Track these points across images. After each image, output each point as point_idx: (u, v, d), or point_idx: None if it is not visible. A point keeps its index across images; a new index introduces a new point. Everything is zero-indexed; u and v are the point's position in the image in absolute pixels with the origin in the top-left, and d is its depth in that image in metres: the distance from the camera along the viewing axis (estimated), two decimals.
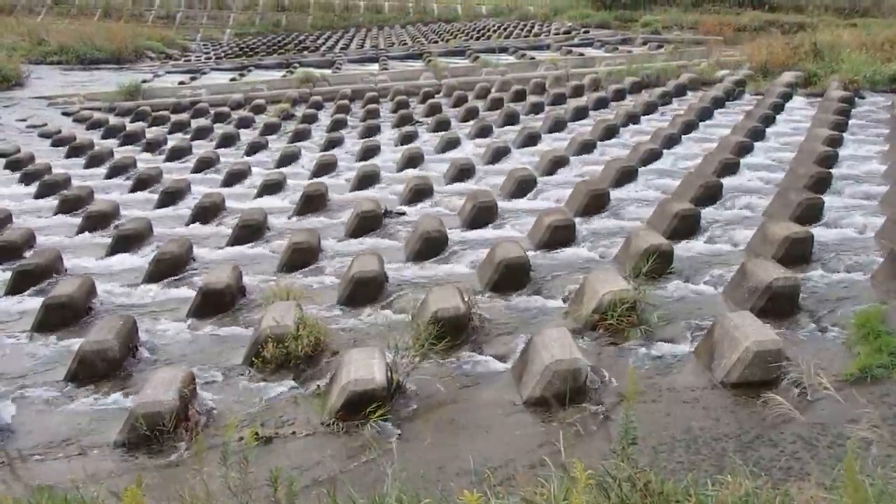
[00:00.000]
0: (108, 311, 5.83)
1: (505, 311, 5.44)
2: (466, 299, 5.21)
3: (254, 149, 11.93)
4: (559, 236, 6.77)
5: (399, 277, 6.24)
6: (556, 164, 9.45)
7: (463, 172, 9.48)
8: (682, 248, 6.37)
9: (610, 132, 11.27)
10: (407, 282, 6.15)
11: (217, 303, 5.70)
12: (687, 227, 6.73)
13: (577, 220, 7.28)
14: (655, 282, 5.64)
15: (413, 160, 10.32)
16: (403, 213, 8.13)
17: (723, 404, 3.95)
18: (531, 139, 11.18)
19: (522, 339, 4.84)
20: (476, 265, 6.38)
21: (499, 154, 10.31)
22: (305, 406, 4.21)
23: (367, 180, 9.47)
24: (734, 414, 3.83)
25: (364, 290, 5.78)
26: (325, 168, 10.25)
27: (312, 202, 8.49)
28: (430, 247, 6.76)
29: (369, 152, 11.11)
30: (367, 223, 7.62)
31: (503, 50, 23.36)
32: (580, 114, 12.95)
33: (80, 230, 7.98)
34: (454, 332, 4.83)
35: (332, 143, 11.89)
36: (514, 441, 3.72)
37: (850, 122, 10.66)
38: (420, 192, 8.63)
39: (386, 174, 9.93)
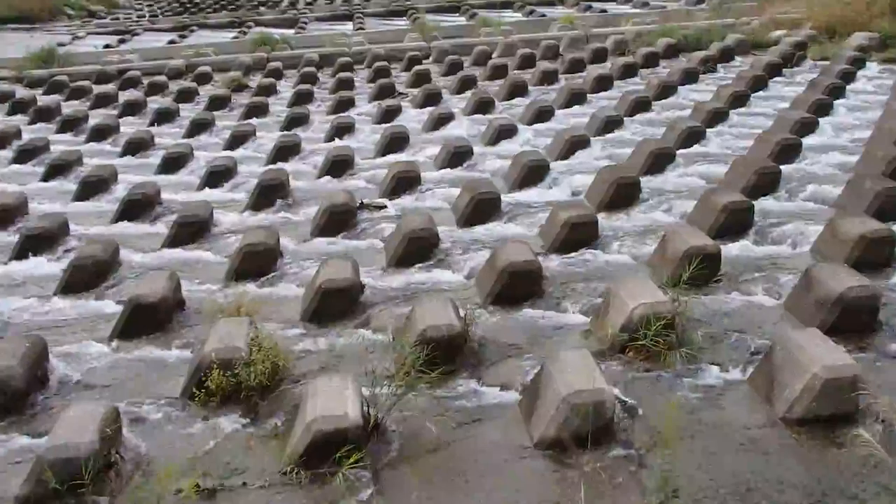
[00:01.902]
0: (10, 330, 5.78)
1: (511, 330, 5.44)
2: (462, 314, 5.20)
3: (197, 128, 11.89)
4: (578, 236, 6.78)
5: (378, 287, 6.24)
6: (573, 145, 9.46)
7: (458, 156, 9.50)
8: (732, 250, 6.37)
9: (640, 106, 11.28)
10: (388, 293, 6.16)
11: (149, 320, 5.69)
12: (737, 223, 6.72)
13: (601, 215, 7.28)
14: (699, 292, 5.63)
15: (396, 141, 10.34)
16: (384, 207, 8.12)
17: (786, 446, 3.91)
18: (542, 115, 11.23)
19: (533, 365, 4.83)
20: (474, 272, 6.38)
21: (502, 134, 10.32)
22: (260, 449, 4.19)
23: (339, 167, 9.47)
24: (801, 458, 3.80)
25: (334, 304, 5.78)
26: (287, 151, 10.25)
27: (270, 194, 8.49)
28: (418, 249, 6.77)
29: (341, 132, 11.12)
30: (339, 220, 7.62)
31: (507, 5, 23.45)
32: (603, 84, 12.92)
33: None
34: (447, 355, 4.83)
35: (296, 121, 11.86)
36: (523, 494, 3.69)
37: None
38: (404, 181, 8.64)
39: (362, 159, 9.94)
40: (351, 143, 10.66)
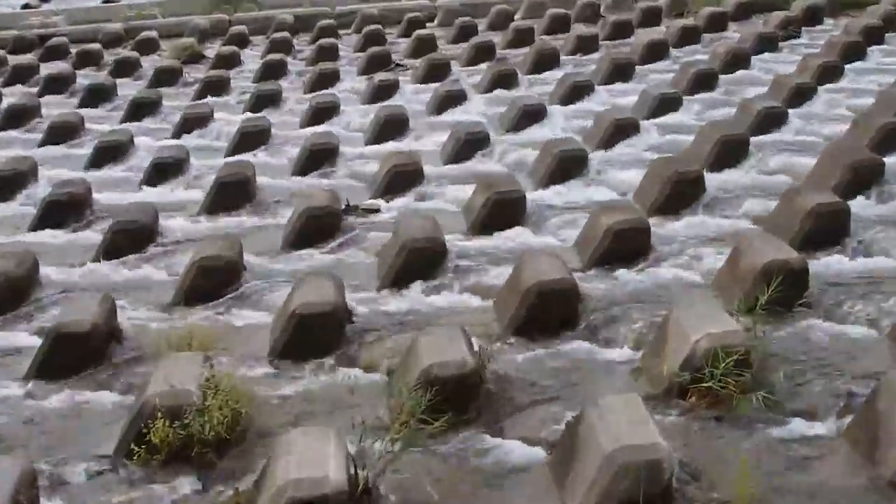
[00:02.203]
0: None
1: (539, 368, 5.46)
2: (477, 348, 5.22)
3: (139, 109, 11.88)
4: (626, 246, 6.80)
5: (369, 313, 6.25)
6: (619, 131, 9.44)
7: (470, 146, 9.50)
8: (822, 266, 6.37)
9: (703, 81, 11.30)
10: (382, 320, 6.17)
11: (76, 355, 5.65)
12: (829, 231, 6.71)
13: (654, 220, 7.30)
14: (780, 319, 5.62)
15: (392, 126, 10.33)
16: (377, 211, 8.16)
17: None
18: (579, 92, 11.21)
19: (567, 412, 4.80)
20: (492, 293, 6.40)
21: (527, 117, 10.27)
22: None
23: (320, 159, 9.47)
24: None
25: (313, 335, 5.78)
26: (253, 139, 10.25)
27: (232, 193, 8.51)
28: (420, 264, 6.77)
29: (323, 114, 11.13)
30: (319, 226, 7.63)
31: None
32: (656, 52, 12.94)
33: None
34: (458, 400, 4.82)
35: (264, 100, 11.88)
36: None
37: None
38: (403, 178, 8.65)
39: (349, 148, 9.96)
40: (335, 128, 10.63)
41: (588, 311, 6.01)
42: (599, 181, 8.54)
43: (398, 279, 6.72)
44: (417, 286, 6.66)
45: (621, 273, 6.64)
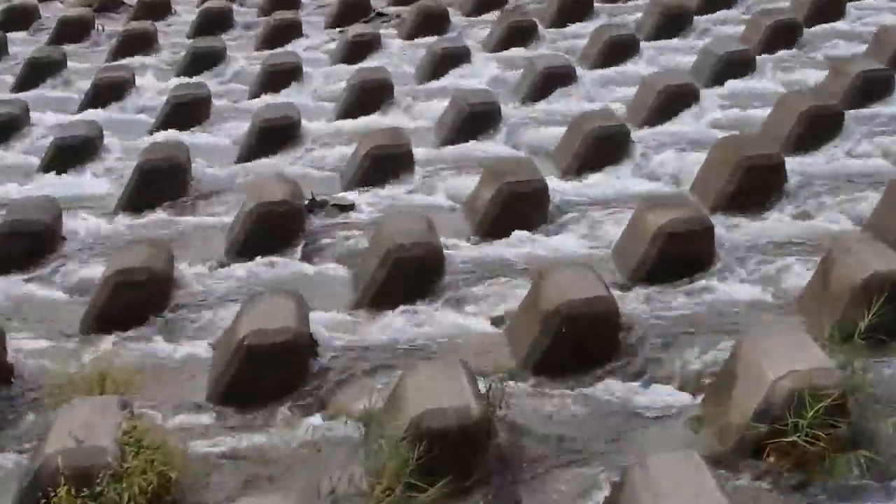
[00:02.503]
0: None
1: (565, 416, 5.48)
2: (484, 389, 5.22)
3: (37, 73, 11.93)
4: (681, 254, 6.86)
5: (341, 344, 6.28)
6: (670, 101, 9.55)
7: (475, 121, 9.58)
8: None
9: (783, 35, 11.46)
10: (358, 353, 6.19)
11: None
12: None
13: (718, 219, 7.35)
14: (887, 352, 5.60)
15: (371, 95, 10.44)
16: (350, 207, 8.21)
17: None
18: (618, 50, 11.46)
19: (604, 477, 4.81)
20: (504, 317, 6.45)
21: (550, 83, 10.38)
22: None
23: (276, 138, 9.57)
24: None
25: (265, 372, 5.79)
26: (187, 112, 10.44)
27: (159, 184, 8.55)
28: (408, 278, 6.81)
29: (279, 79, 11.38)
30: (275, 228, 7.66)
31: None
32: None
33: None
34: (458, 460, 4.78)
35: (202, 61, 11.96)
36: None
37: None
38: (385, 163, 8.69)
39: (315, 125, 10.08)
40: (296, 97, 10.74)
41: (631, 341, 6.01)
42: (645, 168, 8.56)
43: (380, 297, 6.72)
44: (404, 308, 6.64)
45: (675, 290, 6.66)
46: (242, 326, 5.92)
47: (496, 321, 6.46)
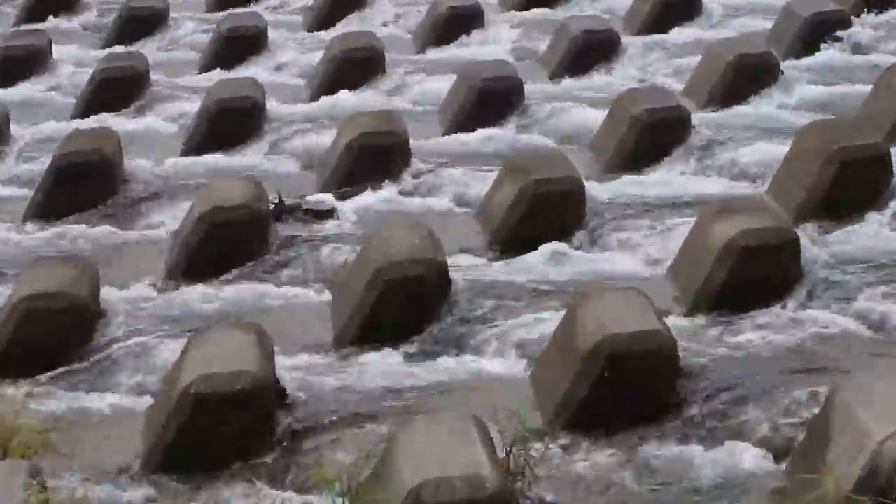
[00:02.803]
0: None
1: (612, 486, 5.45)
2: (504, 452, 5.15)
3: None
4: (757, 274, 6.81)
5: (317, 390, 6.25)
6: (742, 77, 9.60)
7: (491, 102, 9.53)
8: None
9: None
10: (337, 402, 6.17)
11: None
12: None
13: (806, 228, 7.43)
14: None
15: (356, 67, 10.61)
16: (329, 214, 8.20)
17: None
18: (672, 13, 11.60)
19: None
20: (529, 357, 6.39)
21: (587, 51, 10.54)
22: None
23: (233, 123, 9.62)
24: None
25: (218, 430, 5.73)
26: (118, 90, 10.50)
27: (79, 184, 8.61)
28: (403, 305, 6.80)
29: (238, 48, 11.53)
30: (231, 240, 7.67)
31: None
32: None
33: None
34: None
35: (137, 24, 12.43)
36: None
37: None
38: (375, 157, 8.70)
39: (283, 107, 10.20)
40: (259, 70, 10.93)
41: (692, 388, 5.94)
42: (710, 163, 8.55)
43: (367, 331, 6.71)
44: (402, 347, 6.68)
45: (749, 320, 6.66)
46: (188, 370, 5.82)
47: (518, 363, 6.43)
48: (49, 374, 6.66)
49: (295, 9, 13.08)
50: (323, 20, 12.26)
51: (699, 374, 6.07)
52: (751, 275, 6.85)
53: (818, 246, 7.31)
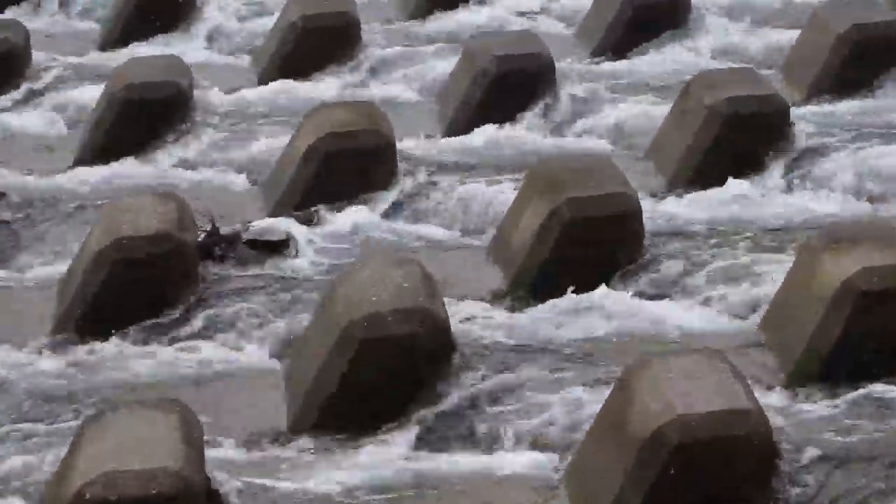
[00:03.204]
0: None
1: None
2: None
3: None
4: (883, 330, 6.18)
5: (264, 497, 5.69)
6: (859, 57, 9.30)
7: (508, 89, 9.09)
8: None
9: None
10: None
11: None
12: None
13: None
14: None
15: (319, 41, 10.22)
16: (282, 246, 7.59)
17: None
18: None
19: None
20: (563, 447, 5.77)
21: (642, 21, 10.28)
22: None
23: (148, 118, 9.08)
24: None
25: None
26: None
27: None
28: (385, 381, 6.18)
29: (157, 14, 11.25)
30: (143, 282, 7.09)
31: None
32: None
33: None
34: None
35: None
36: None
37: None
38: (346, 165, 8.11)
39: (218, 95, 9.77)
40: (185, 46, 10.61)
41: (792, 478, 5.37)
42: (815, 175, 7.96)
43: (334, 416, 6.07)
44: (383, 436, 6.01)
45: (871, 394, 6.05)
46: (81, 469, 5.22)
47: (551, 453, 5.70)
48: None
49: None
50: None
51: (803, 463, 5.64)
52: (875, 330, 6.36)
53: None
